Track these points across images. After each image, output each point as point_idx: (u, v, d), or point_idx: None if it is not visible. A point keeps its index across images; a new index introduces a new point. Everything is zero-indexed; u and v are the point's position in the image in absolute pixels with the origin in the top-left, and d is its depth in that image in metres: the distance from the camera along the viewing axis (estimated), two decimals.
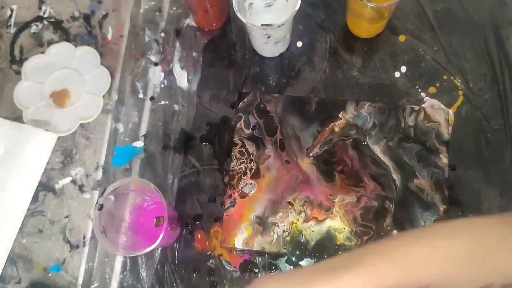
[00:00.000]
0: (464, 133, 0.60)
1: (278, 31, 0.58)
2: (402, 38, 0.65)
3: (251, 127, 0.61)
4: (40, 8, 0.71)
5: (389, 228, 0.56)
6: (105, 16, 0.70)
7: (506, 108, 0.61)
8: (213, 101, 0.65)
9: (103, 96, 0.65)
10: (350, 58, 0.65)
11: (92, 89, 0.66)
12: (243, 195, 0.59)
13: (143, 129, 0.64)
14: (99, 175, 0.63)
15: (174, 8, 0.69)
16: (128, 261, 0.59)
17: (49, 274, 0.59)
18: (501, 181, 0.58)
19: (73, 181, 0.63)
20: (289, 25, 0.61)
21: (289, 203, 0.58)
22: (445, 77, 0.63)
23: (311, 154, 0.59)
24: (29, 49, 0.69)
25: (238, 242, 0.57)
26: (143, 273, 0.58)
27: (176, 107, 0.65)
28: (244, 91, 0.64)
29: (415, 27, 0.65)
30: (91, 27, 0.69)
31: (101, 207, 0.52)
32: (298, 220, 0.57)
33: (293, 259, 0.57)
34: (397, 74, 0.63)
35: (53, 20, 0.70)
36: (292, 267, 0.57)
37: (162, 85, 0.66)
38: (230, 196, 0.59)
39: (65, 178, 0.63)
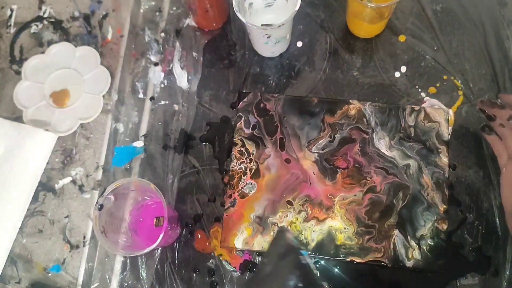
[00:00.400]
0: (464, 133, 0.60)
1: (278, 31, 0.58)
2: (402, 38, 0.65)
3: (251, 126, 0.61)
4: (40, 8, 0.71)
5: (390, 228, 0.56)
6: (105, 16, 0.70)
7: None
8: (213, 101, 0.65)
9: (103, 96, 0.65)
10: (350, 58, 0.65)
11: (92, 89, 0.66)
12: (243, 195, 0.59)
13: (143, 129, 0.64)
14: (99, 175, 0.63)
15: (174, 8, 0.69)
16: (128, 261, 0.59)
17: (49, 274, 0.59)
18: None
19: (73, 181, 0.63)
20: (289, 25, 0.61)
21: (288, 202, 0.58)
22: (445, 77, 0.63)
23: (314, 149, 0.59)
24: (29, 49, 0.69)
25: (238, 242, 0.57)
26: (143, 273, 0.58)
27: (176, 107, 0.65)
28: (244, 91, 0.64)
29: (415, 27, 0.65)
30: (91, 27, 0.69)
31: (101, 207, 0.52)
32: (297, 219, 0.57)
33: None
34: (397, 74, 0.63)
35: (53, 20, 0.70)
36: None
37: (162, 85, 0.66)
38: (230, 196, 0.59)
39: (65, 178, 0.63)
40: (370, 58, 0.64)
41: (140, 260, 0.59)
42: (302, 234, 0.56)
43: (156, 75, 0.66)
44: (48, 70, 0.67)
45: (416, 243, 0.55)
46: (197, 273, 0.58)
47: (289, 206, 0.57)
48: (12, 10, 0.71)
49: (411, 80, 0.63)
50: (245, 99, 0.63)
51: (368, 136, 0.59)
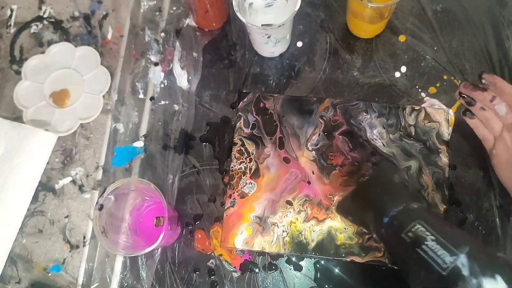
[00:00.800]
0: (464, 133, 0.60)
1: (278, 31, 0.58)
2: (402, 38, 0.65)
3: (250, 125, 0.61)
4: (40, 8, 0.71)
5: None
6: (105, 16, 0.70)
7: None
8: (213, 101, 0.65)
9: (103, 96, 0.65)
10: (350, 58, 0.65)
11: (92, 89, 0.66)
12: (242, 195, 0.59)
13: (143, 129, 0.64)
14: (99, 175, 0.63)
15: (174, 8, 0.69)
16: (128, 261, 0.59)
17: (49, 274, 0.59)
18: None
19: (73, 181, 0.63)
20: (289, 25, 0.61)
21: (288, 202, 0.58)
22: (445, 77, 0.63)
23: (309, 145, 0.59)
24: (29, 49, 0.69)
25: (238, 242, 0.57)
26: (143, 273, 0.58)
27: (176, 107, 0.65)
28: (244, 91, 0.64)
29: (415, 27, 0.65)
30: (91, 27, 0.69)
31: (101, 207, 0.52)
32: (297, 219, 0.57)
33: (293, 259, 0.57)
34: (397, 74, 0.63)
35: (53, 20, 0.70)
36: (292, 267, 0.57)
37: (162, 85, 0.66)
38: (230, 196, 0.59)
39: (65, 178, 0.63)
40: (370, 58, 0.64)
41: (140, 260, 0.59)
42: (302, 235, 0.56)
43: (156, 75, 0.66)
44: (48, 70, 0.67)
45: None
46: (197, 273, 0.58)
47: (288, 206, 0.57)
48: (12, 10, 0.71)
49: (411, 80, 0.63)
50: (245, 99, 0.63)
51: (359, 124, 0.59)
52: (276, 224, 0.57)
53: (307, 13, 0.67)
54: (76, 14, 0.70)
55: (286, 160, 0.59)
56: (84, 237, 0.60)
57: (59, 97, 0.66)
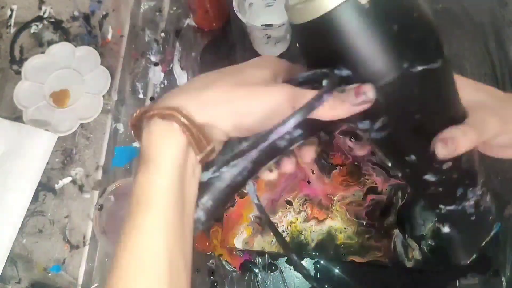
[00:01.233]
0: None
1: (278, 31, 0.58)
2: None
3: None
4: (40, 8, 0.71)
5: (390, 227, 0.56)
6: (105, 16, 0.70)
7: None
8: None
9: (103, 96, 0.65)
10: None
11: (92, 89, 0.66)
12: (242, 195, 0.58)
13: None
14: (99, 175, 0.63)
15: (174, 8, 0.69)
16: None
17: (49, 274, 0.59)
18: (501, 181, 0.58)
19: (73, 181, 0.63)
20: (289, 25, 0.61)
21: (288, 202, 0.57)
22: None
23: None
24: (29, 49, 0.69)
25: (238, 242, 0.57)
26: None
27: None
28: None
29: None
30: (91, 27, 0.69)
31: (101, 207, 0.52)
32: (297, 219, 0.57)
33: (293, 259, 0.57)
34: None
35: (53, 20, 0.70)
36: (292, 268, 0.57)
37: (162, 85, 0.66)
38: None
39: (65, 178, 0.63)
40: None
41: None
42: (302, 235, 0.56)
43: (156, 75, 0.66)
44: (48, 70, 0.67)
45: (416, 243, 0.55)
46: (197, 273, 0.58)
47: (288, 206, 0.57)
48: (12, 10, 0.71)
49: None
50: None
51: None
52: (276, 224, 0.57)
53: None
54: (76, 14, 0.70)
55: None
56: (84, 237, 0.60)
57: (59, 97, 0.66)
